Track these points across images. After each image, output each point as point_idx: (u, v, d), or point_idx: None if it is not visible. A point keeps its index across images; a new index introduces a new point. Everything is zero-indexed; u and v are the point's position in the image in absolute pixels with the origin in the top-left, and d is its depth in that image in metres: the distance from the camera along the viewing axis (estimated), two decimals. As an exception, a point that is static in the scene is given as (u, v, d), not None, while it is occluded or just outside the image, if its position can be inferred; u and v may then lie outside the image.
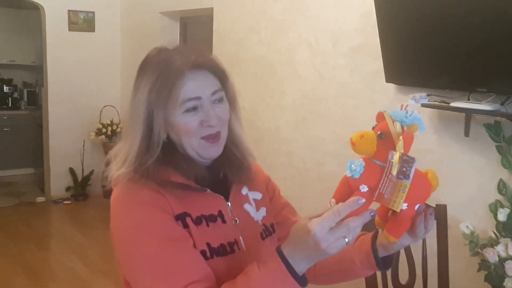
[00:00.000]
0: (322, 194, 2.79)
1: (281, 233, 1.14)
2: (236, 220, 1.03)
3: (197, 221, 0.97)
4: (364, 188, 0.81)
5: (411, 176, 0.80)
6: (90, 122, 4.91)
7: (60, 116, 4.89)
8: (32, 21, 5.70)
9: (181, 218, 0.95)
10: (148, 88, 0.96)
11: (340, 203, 0.81)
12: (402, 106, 0.84)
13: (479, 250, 1.93)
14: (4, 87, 6.15)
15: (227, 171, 1.05)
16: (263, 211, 1.11)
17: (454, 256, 1.96)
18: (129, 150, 0.98)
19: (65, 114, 4.89)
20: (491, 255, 1.85)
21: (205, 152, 0.99)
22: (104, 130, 4.78)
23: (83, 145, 4.99)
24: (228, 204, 1.03)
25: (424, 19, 2.03)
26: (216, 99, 0.98)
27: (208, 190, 1.00)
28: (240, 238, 1.02)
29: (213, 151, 1.00)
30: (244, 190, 1.09)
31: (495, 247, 1.86)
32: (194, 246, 0.95)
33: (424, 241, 1.85)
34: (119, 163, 0.99)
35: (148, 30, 4.50)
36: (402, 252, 1.82)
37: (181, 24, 4.44)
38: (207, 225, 0.98)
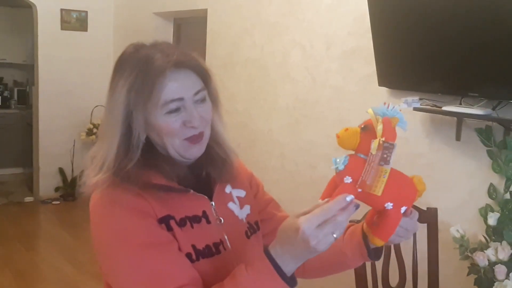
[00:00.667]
0: (315, 197, 2.77)
1: (267, 229, 1.13)
2: (221, 220, 1.01)
3: (181, 223, 0.94)
4: (348, 179, 0.83)
5: (391, 161, 0.83)
6: (81, 122, 4.87)
7: (51, 115, 4.85)
8: (24, 20, 5.66)
9: (164, 221, 0.93)
10: (126, 87, 0.92)
11: (328, 200, 0.82)
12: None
13: (469, 254, 1.94)
14: (-6, 86, 6.10)
15: (209, 170, 1.03)
16: (247, 208, 1.09)
17: (444, 259, 1.97)
18: (107, 153, 0.93)
19: (56, 113, 4.86)
20: (481, 259, 1.86)
21: (187, 152, 0.97)
22: (95, 130, 4.75)
23: (74, 145, 4.96)
24: (212, 204, 1.01)
25: (417, 24, 2.05)
26: (198, 99, 0.96)
27: (191, 191, 0.98)
28: (226, 238, 1.00)
29: (196, 151, 0.98)
30: (228, 189, 1.08)
31: (485, 251, 1.87)
32: (179, 249, 0.93)
33: (414, 244, 1.86)
34: (97, 168, 0.94)
35: (141, 30, 4.49)
36: (393, 255, 1.83)
37: (175, 25, 4.43)
38: (192, 227, 0.95)
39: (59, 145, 4.90)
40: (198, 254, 0.94)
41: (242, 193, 1.10)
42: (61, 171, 4.95)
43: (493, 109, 1.90)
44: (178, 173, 0.97)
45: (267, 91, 3.14)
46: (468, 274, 1.95)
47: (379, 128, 0.84)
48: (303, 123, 2.90)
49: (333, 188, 0.87)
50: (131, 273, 0.89)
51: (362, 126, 0.87)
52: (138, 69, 0.92)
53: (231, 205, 1.06)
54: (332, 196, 0.83)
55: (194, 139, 0.96)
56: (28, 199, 4.99)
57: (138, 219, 0.90)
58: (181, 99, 0.93)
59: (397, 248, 1.80)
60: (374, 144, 0.83)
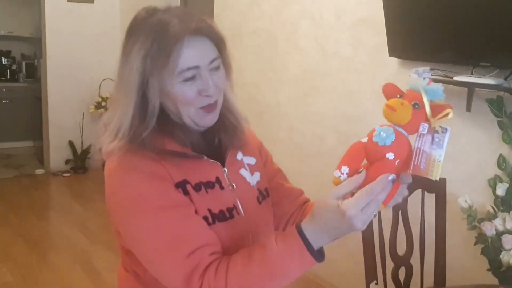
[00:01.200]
0: (322, 169, 2.80)
1: (273, 199, 1.15)
2: (233, 186, 1.03)
3: (196, 187, 0.96)
4: (391, 156, 0.81)
5: (444, 145, 0.81)
6: (90, 95, 4.88)
7: (59, 89, 4.86)
8: (31, -8, 5.62)
9: (181, 185, 0.94)
10: (142, 53, 0.90)
11: (372, 183, 0.79)
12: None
13: (477, 224, 1.95)
14: (3, 59, 6.10)
15: (221, 137, 1.04)
16: (257, 175, 1.11)
17: (452, 230, 1.98)
18: (122, 120, 0.93)
19: (64, 87, 4.87)
20: (489, 228, 1.87)
21: (202, 120, 0.97)
22: (103, 103, 4.76)
23: (83, 118, 4.98)
24: (224, 170, 1.03)
25: (429, -8, 2.01)
26: (213, 67, 0.95)
27: (205, 157, 0.99)
28: (238, 203, 1.02)
29: (210, 119, 0.98)
30: (239, 156, 1.09)
31: (492, 221, 1.88)
32: (196, 212, 0.94)
33: (422, 214, 1.87)
34: (112, 135, 0.94)
35: (148, 2, 4.42)
36: (401, 225, 1.84)
37: (182, -4, 4.38)
38: (206, 192, 0.97)
39: (68, 118, 4.93)
40: (214, 218, 0.96)
41: (252, 160, 1.11)
42: (71, 144, 4.99)
43: (505, 79, 1.88)
44: (192, 140, 0.98)
45: (275, 63, 3.11)
46: (475, 244, 1.96)
47: (428, 110, 0.81)
48: (311, 95, 2.89)
49: (358, 156, 0.84)
50: (151, 235, 0.90)
51: (413, 102, 0.82)
52: (154, 35, 0.90)
53: (242, 171, 1.07)
54: (370, 171, 0.81)
55: (209, 108, 0.96)
56: (39, 171, 5.05)
57: (156, 183, 0.91)
58: (197, 67, 0.92)
59: (405, 218, 1.81)
60: (425, 127, 0.81)
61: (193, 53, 0.91)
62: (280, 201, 1.16)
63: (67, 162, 5.03)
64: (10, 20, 6.01)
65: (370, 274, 1.72)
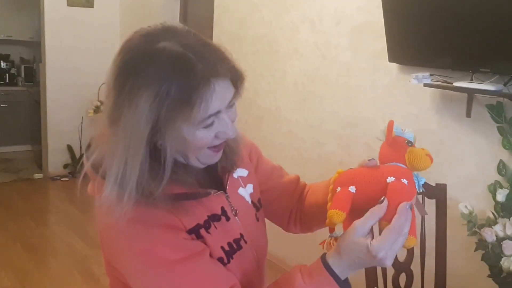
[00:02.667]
0: (322, 174, 2.79)
1: (272, 197, 1.13)
2: (236, 211, 0.98)
3: (207, 226, 0.90)
4: (405, 181, 0.85)
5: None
6: (88, 99, 4.88)
7: (58, 92, 4.86)
8: (30, -4, 5.62)
9: (194, 231, 0.88)
10: (154, 100, 0.75)
11: (395, 217, 0.79)
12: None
13: (477, 230, 1.95)
14: (1, 63, 6.10)
15: (222, 162, 0.97)
16: (250, 187, 1.06)
17: (452, 235, 1.97)
18: (126, 176, 0.79)
19: (63, 90, 4.86)
20: (489, 234, 1.86)
21: (210, 160, 0.89)
22: (102, 107, 4.75)
23: (81, 122, 4.97)
24: (227, 196, 0.97)
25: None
26: (230, 105, 0.85)
27: (212, 192, 0.93)
28: (244, 230, 0.98)
29: (218, 157, 0.91)
30: (235, 174, 1.03)
31: (493, 227, 1.88)
32: (211, 255, 0.89)
33: (422, 220, 1.86)
34: (113, 194, 0.79)
35: (148, 6, 4.45)
36: (401, 230, 1.83)
37: (182, 1, 4.38)
38: (216, 228, 0.91)
39: (67, 122, 4.93)
40: (228, 256, 0.92)
41: (244, 172, 1.06)
42: (70, 148, 4.98)
43: (505, 84, 1.88)
44: (198, 180, 0.91)
45: (275, 68, 3.12)
46: (475, 250, 1.96)
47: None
48: (311, 100, 2.89)
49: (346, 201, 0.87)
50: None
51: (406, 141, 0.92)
52: (170, 76, 0.75)
53: (241, 190, 1.03)
54: (333, 201, 0.86)
55: (219, 147, 0.88)
56: (37, 175, 5.04)
57: (169, 235, 0.84)
58: (218, 112, 0.82)
59: (405, 224, 1.81)
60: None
61: (216, 98, 0.79)
62: (279, 198, 1.14)
63: (65, 166, 5.02)
64: (10, 24, 6.01)
65: (371, 281, 1.71)
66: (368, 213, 0.81)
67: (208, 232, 0.89)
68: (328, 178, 1.05)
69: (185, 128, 0.79)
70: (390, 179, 0.84)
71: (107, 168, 0.81)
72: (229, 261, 0.91)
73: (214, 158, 0.90)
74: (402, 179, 0.84)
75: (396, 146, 0.90)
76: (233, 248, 0.93)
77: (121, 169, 0.79)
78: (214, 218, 0.92)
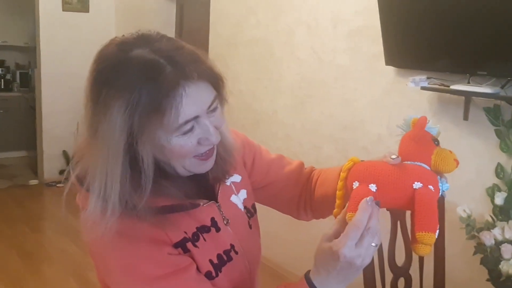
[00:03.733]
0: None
1: (274, 190, 1.10)
2: (228, 220, 0.94)
3: (194, 238, 0.87)
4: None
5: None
6: (84, 105, 4.85)
7: (54, 98, 4.83)
8: (25, 1, 5.60)
9: (180, 245, 0.85)
10: (126, 109, 0.74)
11: (354, 213, 0.76)
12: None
13: (476, 234, 1.94)
14: (-3, 69, 6.07)
15: (213, 171, 0.93)
16: (243, 193, 1.03)
17: (451, 239, 1.96)
18: (107, 189, 0.77)
19: (59, 96, 4.83)
20: (488, 238, 1.86)
21: (198, 169, 0.86)
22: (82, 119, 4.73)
23: (77, 128, 4.94)
24: (218, 205, 0.94)
25: (425, 2, 2.01)
26: (211, 109, 0.82)
27: (201, 203, 0.89)
28: (235, 241, 0.95)
29: (208, 166, 0.87)
30: (228, 181, 1.00)
31: (491, 230, 1.87)
32: (198, 269, 0.86)
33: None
34: (97, 210, 0.78)
35: (143, 11, 4.44)
36: (399, 235, 1.82)
37: (178, 5, 4.38)
38: (204, 240, 0.88)
39: (63, 127, 4.89)
40: (216, 269, 0.89)
41: (237, 178, 1.03)
42: (65, 153, 4.95)
43: (502, 87, 1.88)
44: (186, 190, 0.87)
45: (271, 71, 3.11)
46: (474, 254, 1.95)
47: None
48: (308, 103, 2.88)
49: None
50: None
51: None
52: (141, 84, 0.73)
53: (233, 198, 1.00)
54: (350, 202, 0.78)
55: (207, 155, 0.85)
56: (33, 182, 5.00)
57: (153, 249, 0.82)
58: (196, 117, 0.79)
59: (404, 228, 1.79)
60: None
61: (192, 103, 0.76)
62: (283, 189, 1.11)
63: (61, 172, 4.99)
64: (5, 30, 5.98)
65: (369, 286, 1.70)
66: (336, 220, 0.79)
67: (196, 246, 0.86)
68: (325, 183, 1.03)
69: (161, 135, 0.77)
70: (417, 185, 0.78)
71: (90, 181, 0.79)
72: (217, 275, 0.88)
73: (204, 167, 0.86)
74: (429, 186, 0.79)
75: (422, 143, 0.83)
76: (222, 260, 0.90)
77: (103, 182, 0.77)
78: (203, 229, 0.89)
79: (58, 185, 4.88)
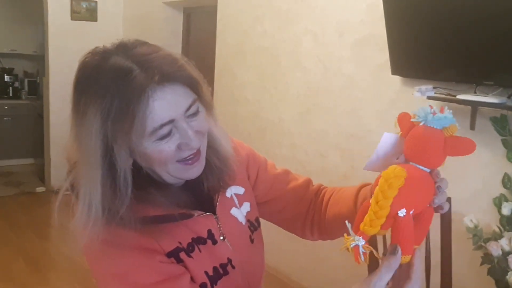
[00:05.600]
0: (325, 186, 2.78)
1: (278, 206, 1.07)
2: (224, 236, 0.92)
3: (189, 249, 0.85)
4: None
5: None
6: (91, 113, 4.88)
7: (61, 106, 4.87)
8: (34, 10, 5.66)
9: (173, 255, 0.84)
10: (99, 115, 0.74)
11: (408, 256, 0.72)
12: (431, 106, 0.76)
13: (483, 244, 1.93)
14: (5, 77, 6.12)
15: (209, 180, 0.92)
16: (246, 206, 1.00)
17: (457, 249, 1.95)
18: (91, 197, 0.78)
19: (66, 104, 4.71)
20: (495, 248, 1.84)
21: (185, 174, 0.84)
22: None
23: (77, 164, 4.97)
24: (216, 218, 0.92)
25: (431, 12, 2.01)
26: (191, 113, 0.80)
27: (196, 214, 0.87)
28: (232, 256, 0.92)
29: (195, 171, 0.85)
30: (228, 192, 0.97)
31: (498, 241, 1.86)
32: (193, 279, 0.85)
33: (427, 234, 1.84)
34: (83, 217, 0.78)
35: (151, 20, 4.48)
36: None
37: (185, 14, 4.42)
38: (200, 251, 0.86)
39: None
40: (212, 282, 0.87)
41: (240, 190, 1.01)
42: (72, 161, 4.98)
43: (509, 97, 1.87)
44: (178, 201, 0.85)
45: (278, 80, 3.12)
46: (481, 264, 1.93)
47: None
48: (314, 112, 2.88)
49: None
50: None
51: None
52: (112, 90, 0.74)
53: (233, 211, 0.97)
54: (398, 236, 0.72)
55: (192, 160, 0.82)
56: (40, 189, 5.03)
57: (142, 257, 0.80)
58: (171, 121, 0.77)
59: (410, 238, 1.79)
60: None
61: (164, 106, 0.76)
62: (286, 206, 1.08)
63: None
64: (14, 38, 6.05)
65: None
66: (383, 267, 0.70)
67: (190, 256, 0.85)
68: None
69: (136, 140, 0.77)
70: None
71: (77, 187, 0.81)
72: (212, 287, 0.87)
73: (190, 172, 0.84)
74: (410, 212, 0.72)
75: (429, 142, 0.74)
76: (218, 274, 0.88)
77: (87, 188, 0.78)
78: (199, 241, 0.87)
79: (65, 192, 4.89)
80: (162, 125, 0.76)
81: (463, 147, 0.73)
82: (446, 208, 0.78)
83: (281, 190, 1.08)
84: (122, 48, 0.79)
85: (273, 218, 1.10)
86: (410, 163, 0.75)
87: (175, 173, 0.82)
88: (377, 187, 0.71)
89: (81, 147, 0.79)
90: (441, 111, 0.73)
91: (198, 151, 0.83)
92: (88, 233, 0.78)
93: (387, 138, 0.80)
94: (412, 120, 0.75)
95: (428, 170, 0.73)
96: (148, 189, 0.83)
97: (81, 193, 0.79)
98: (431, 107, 0.74)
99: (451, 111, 0.73)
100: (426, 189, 0.73)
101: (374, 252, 0.71)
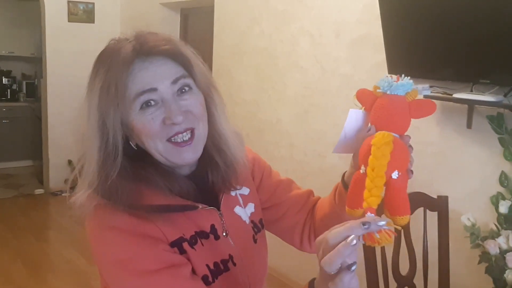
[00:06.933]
0: (324, 186, 2.77)
1: (279, 213, 1.07)
2: (227, 232, 0.93)
3: (192, 241, 0.86)
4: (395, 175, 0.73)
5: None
6: (90, 114, 4.89)
7: (59, 108, 4.87)
8: (32, 12, 5.67)
9: (176, 244, 0.84)
10: (99, 88, 0.81)
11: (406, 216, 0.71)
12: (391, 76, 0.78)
13: (480, 242, 1.93)
14: (3, 79, 6.12)
15: (213, 177, 0.92)
16: (251, 207, 1.01)
17: (455, 248, 1.96)
18: (89, 163, 0.82)
19: (64, 106, 4.87)
20: (492, 247, 1.85)
21: (176, 157, 0.84)
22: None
23: (82, 137, 4.97)
24: (220, 214, 0.92)
25: (427, 11, 2.02)
26: (180, 88, 0.82)
27: (200, 206, 0.87)
28: (233, 253, 0.93)
29: (188, 156, 0.84)
30: (233, 191, 0.98)
31: (496, 239, 1.86)
32: (194, 271, 0.85)
33: (425, 232, 1.85)
34: (84, 183, 0.83)
35: (148, 21, 4.48)
36: (403, 244, 1.82)
37: (182, 15, 4.42)
38: (202, 244, 0.87)
39: (68, 137, 4.92)
40: (213, 275, 0.87)
41: (245, 190, 1.02)
42: (71, 163, 4.98)
43: (505, 95, 1.88)
44: (178, 186, 0.86)
45: (275, 81, 3.12)
46: (479, 263, 1.94)
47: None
48: (312, 112, 2.89)
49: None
50: None
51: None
52: (107, 65, 0.81)
53: (237, 209, 0.98)
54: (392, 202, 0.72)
55: (183, 143, 0.83)
56: (38, 191, 5.03)
57: (146, 244, 0.81)
58: (154, 89, 0.80)
59: (408, 237, 1.79)
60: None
61: (148, 75, 0.80)
62: (286, 213, 1.07)
63: (66, 181, 4.99)
64: (11, 41, 6.05)
65: (373, 295, 1.69)
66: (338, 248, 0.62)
67: (193, 248, 0.86)
68: (330, 191, 1.01)
69: (124, 109, 0.81)
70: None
71: (82, 164, 0.86)
72: (213, 281, 0.87)
73: (182, 156, 0.84)
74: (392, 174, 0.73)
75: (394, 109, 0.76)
76: (219, 269, 0.89)
77: (88, 158, 0.83)
78: (202, 235, 0.88)
79: (63, 194, 4.90)
80: (143, 92, 0.80)
81: (426, 109, 0.77)
82: (412, 174, 0.78)
83: (283, 197, 1.08)
84: (138, 35, 0.86)
85: (273, 227, 1.10)
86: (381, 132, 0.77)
87: (166, 154, 0.84)
88: (370, 156, 0.72)
89: (86, 119, 0.84)
90: (397, 79, 0.77)
91: (192, 134, 0.84)
92: (83, 197, 0.82)
93: (353, 115, 0.83)
94: (377, 91, 0.79)
95: (398, 136, 0.76)
96: (147, 169, 0.85)
97: (85, 164, 0.84)
98: (391, 77, 0.78)
99: (409, 77, 0.77)
100: (407, 151, 0.76)
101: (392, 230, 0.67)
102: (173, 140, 0.83)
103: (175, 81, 0.82)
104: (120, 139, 0.82)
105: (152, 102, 0.81)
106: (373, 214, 0.69)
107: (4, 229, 3.99)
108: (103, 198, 0.81)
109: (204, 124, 0.87)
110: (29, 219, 4.27)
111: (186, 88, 0.84)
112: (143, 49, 0.81)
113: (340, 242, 0.61)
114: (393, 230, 0.67)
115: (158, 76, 0.81)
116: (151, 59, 0.81)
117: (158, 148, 0.83)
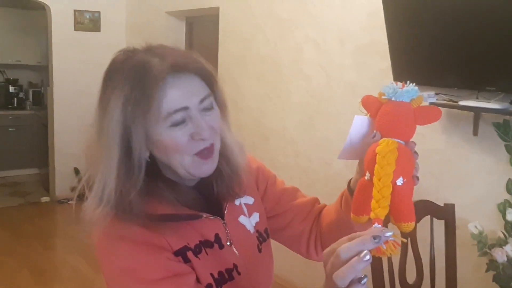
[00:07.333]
0: (330, 194, 2.77)
1: (284, 222, 1.07)
2: (231, 241, 0.93)
3: (196, 250, 0.87)
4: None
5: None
6: (96, 122, 4.91)
7: (66, 116, 4.90)
8: (38, 21, 5.72)
9: (181, 253, 0.85)
10: (121, 101, 0.80)
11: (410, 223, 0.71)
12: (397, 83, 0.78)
13: (488, 250, 1.92)
14: (10, 87, 6.16)
15: (218, 186, 0.94)
16: (256, 216, 1.01)
17: (462, 256, 1.95)
18: (106, 180, 0.81)
19: (71, 114, 4.90)
20: (500, 255, 1.84)
21: (198, 170, 0.86)
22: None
23: (93, 149, 4.99)
24: (224, 224, 0.93)
25: (432, 18, 2.02)
26: (205, 107, 0.84)
27: (205, 215, 0.89)
28: (238, 262, 0.93)
29: (208, 168, 0.87)
30: (237, 201, 0.99)
31: (503, 247, 1.85)
32: (199, 280, 0.86)
33: (432, 240, 1.84)
34: (96, 199, 0.82)
35: (153, 30, 4.51)
36: (410, 252, 1.81)
37: (187, 24, 4.44)
38: (206, 254, 0.88)
39: (74, 145, 4.93)
40: (217, 284, 0.88)
41: (250, 200, 1.02)
42: (77, 171, 4.99)
43: (511, 103, 1.87)
44: (186, 198, 0.88)
45: (280, 88, 3.13)
46: (486, 271, 1.92)
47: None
48: (317, 120, 2.89)
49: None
50: None
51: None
52: (134, 78, 0.80)
53: (242, 219, 0.98)
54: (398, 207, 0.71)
55: (206, 154, 0.85)
56: (45, 199, 5.04)
57: (151, 253, 0.82)
58: (185, 108, 0.82)
59: (414, 245, 1.78)
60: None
61: (179, 93, 0.82)
62: (292, 222, 1.07)
63: (72, 189, 5.02)
64: (18, 49, 6.10)
65: (380, 304, 1.68)
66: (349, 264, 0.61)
67: (197, 257, 0.86)
68: (336, 198, 1.01)
69: (153, 126, 0.81)
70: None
71: (92, 180, 0.84)
72: None
73: (204, 168, 0.86)
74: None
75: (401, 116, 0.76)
76: (223, 278, 0.89)
77: (104, 172, 0.82)
78: (207, 244, 0.89)
79: (69, 202, 4.91)
80: (176, 111, 0.81)
81: (431, 115, 0.76)
82: (418, 180, 0.78)
83: (288, 205, 1.08)
84: (147, 47, 0.87)
85: (278, 235, 1.10)
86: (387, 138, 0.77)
87: (190, 167, 0.85)
88: (376, 166, 0.72)
89: (102, 133, 0.82)
90: (403, 86, 0.77)
91: (211, 147, 0.86)
92: (98, 214, 0.81)
93: (358, 121, 0.83)
94: (382, 97, 0.78)
95: (403, 142, 0.76)
96: (158, 183, 0.86)
97: (97, 179, 0.83)
98: (396, 83, 0.78)
99: (414, 84, 0.77)
100: (412, 158, 0.76)
101: (398, 240, 0.67)
102: (200, 154, 0.85)
103: (202, 100, 0.84)
104: (145, 153, 0.83)
105: (183, 120, 0.83)
106: (380, 225, 0.69)
107: (10, 237, 4.01)
108: (115, 210, 0.82)
109: (219, 138, 0.90)
110: (35, 227, 4.29)
111: (210, 106, 0.86)
112: (174, 65, 0.82)
113: (352, 257, 0.61)
114: (399, 241, 0.67)
115: (189, 94, 0.83)
116: (181, 75, 0.82)
117: (184, 162, 0.85)
